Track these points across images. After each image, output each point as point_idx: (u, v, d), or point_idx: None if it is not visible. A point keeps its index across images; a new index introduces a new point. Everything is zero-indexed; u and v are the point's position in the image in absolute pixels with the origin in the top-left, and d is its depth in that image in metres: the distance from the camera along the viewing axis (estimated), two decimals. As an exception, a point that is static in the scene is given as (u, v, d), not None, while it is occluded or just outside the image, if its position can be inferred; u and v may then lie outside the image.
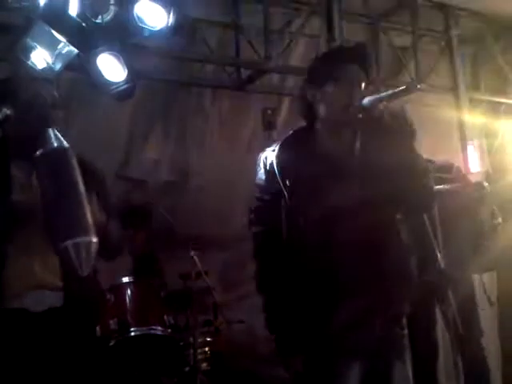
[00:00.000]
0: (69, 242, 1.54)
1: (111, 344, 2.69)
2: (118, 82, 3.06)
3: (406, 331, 1.81)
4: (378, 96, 1.70)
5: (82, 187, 1.62)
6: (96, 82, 3.12)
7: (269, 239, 1.81)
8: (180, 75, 3.89)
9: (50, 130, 1.65)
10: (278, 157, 1.83)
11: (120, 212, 3.45)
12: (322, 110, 1.82)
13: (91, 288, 1.91)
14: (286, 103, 4.16)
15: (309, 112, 1.86)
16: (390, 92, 1.73)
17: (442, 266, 2.29)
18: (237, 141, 4.12)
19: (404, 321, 1.81)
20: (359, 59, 1.83)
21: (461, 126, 4.36)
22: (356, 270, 1.69)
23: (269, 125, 3.75)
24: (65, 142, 1.64)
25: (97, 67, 3.00)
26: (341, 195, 1.72)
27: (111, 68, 3.02)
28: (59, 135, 1.65)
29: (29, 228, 1.78)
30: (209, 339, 3.02)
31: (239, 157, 4.01)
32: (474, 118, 4.33)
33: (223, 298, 3.21)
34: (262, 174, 1.85)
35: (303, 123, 1.91)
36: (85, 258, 1.56)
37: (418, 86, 4.06)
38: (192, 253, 2.89)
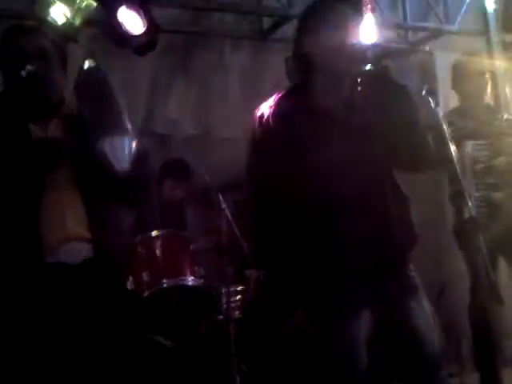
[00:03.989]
0: (104, 142, 1.63)
1: (144, 295, 2.77)
2: (139, 35, 3.01)
3: (413, 273, 1.80)
4: (383, 47, 1.63)
5: (118, 100, 1.73)
6: (116, 37, 3.08)
7: (264, 198, 1.79)
8: (199, 26, 3.81)
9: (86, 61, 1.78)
10: (273, 113, 1.75)
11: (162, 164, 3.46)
12: (320, 60, 1.72)
13: (117, 239, 1.96)
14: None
15: (306, 65, 1.75)
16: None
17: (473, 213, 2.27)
18: (259, 92, 4.05)
19: (411, 265, 1.81)
20: None
21: (492, 71, 4.20)
22: (357, 221, 1.68)
23: (292, 75, 3.66)
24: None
25: (117, 20, 2.95)
26: (339, 150, 1.68)
27: (131, 21, 2.98)
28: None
29: (57, 181, 1.81)
30: (239, 288, 3.08)
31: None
32: (506, 63, 4.15)
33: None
34: (257, 131, 1.79)
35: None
36: (120, 155, 1.64)
37: (447, 30, 3.91)
38: (223, 206, 2.90)
